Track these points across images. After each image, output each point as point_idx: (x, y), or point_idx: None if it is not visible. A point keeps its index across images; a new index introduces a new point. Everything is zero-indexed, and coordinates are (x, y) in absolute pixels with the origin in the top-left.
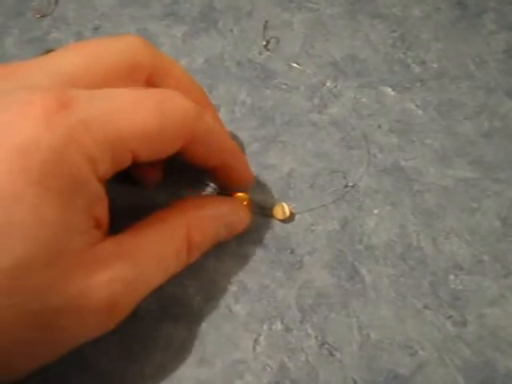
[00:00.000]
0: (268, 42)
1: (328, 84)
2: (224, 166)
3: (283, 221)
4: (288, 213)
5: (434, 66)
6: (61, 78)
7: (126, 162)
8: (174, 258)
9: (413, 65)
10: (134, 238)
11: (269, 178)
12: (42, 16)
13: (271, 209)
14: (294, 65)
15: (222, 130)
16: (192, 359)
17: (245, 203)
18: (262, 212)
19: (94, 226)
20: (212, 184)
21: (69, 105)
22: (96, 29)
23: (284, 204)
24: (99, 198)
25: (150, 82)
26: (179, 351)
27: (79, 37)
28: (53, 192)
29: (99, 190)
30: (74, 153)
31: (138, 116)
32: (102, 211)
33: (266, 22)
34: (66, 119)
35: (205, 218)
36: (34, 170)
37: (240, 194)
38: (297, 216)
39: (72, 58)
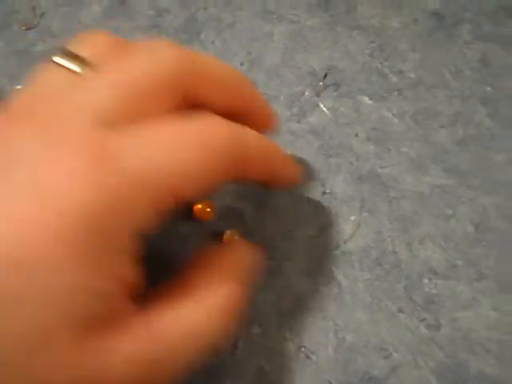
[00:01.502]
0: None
1: (307, 94)
2: (272, 178)
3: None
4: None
5: (411, 75)
6: (97, 116)
7: (171, 207)
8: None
9: (390, 74)
10: (163, 308)
11: (248, 185)
12: (28, 28)
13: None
14: None
15: (268, 144)
16: None
17: (208, 210)
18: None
19: (126, 292)
20: None
21: (111, 157)
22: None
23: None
24: (135, 262)
25: (190, 93)
26: None
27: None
28: (85, 256)
29: (137, 252)
30: (114, 217)
31: (179, 157)
32: (136, 275)
33: (327, 71)
34: (109, 176)
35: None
36: (67, 233)
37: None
38: (275, 223)
39: (105, 91)
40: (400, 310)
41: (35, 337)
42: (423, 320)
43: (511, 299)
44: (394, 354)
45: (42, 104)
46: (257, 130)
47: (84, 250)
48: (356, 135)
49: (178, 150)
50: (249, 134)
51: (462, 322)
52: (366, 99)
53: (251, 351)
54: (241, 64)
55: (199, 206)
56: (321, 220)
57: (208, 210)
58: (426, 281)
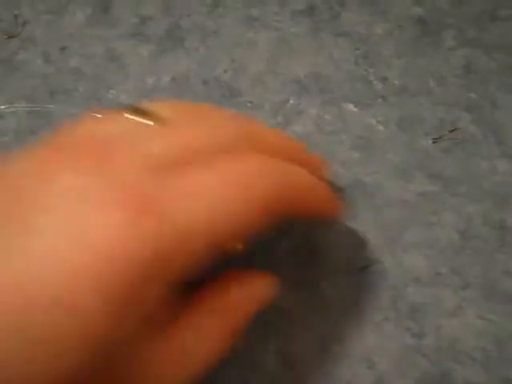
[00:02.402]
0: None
1: (292, 101)
2: (315, 215)
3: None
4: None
5: (396, 82)
6: (151, 162)
7: (212, 254)
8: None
9: (375, 81)
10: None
11: None
12: (10, 37)
13: None
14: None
15: (316, 184)
16: None
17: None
18: None
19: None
20: None
21: (158, 207)
22: (63, 49)
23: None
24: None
25: None
26: None
27: (46, 57)
28: (119, 308)
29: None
30: (155, 267)
31: (223, 206)
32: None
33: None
34: (154, 227)
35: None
36: (110, 280)
37: None
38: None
39: (166, 140)
40: (385, 320)
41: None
42: (408, 329)
43: (496, 307)
44: (379, 364)
45: (99, 145)
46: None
47: (123, 298)
48: (341, 143)
49: (222, 198)
50: (298, 174)
51: (447, 330)
52: (350, 106)
53: (236, 364)
54: (224, 71)
55: None
56: (305, 228)
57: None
58: (410, 289)
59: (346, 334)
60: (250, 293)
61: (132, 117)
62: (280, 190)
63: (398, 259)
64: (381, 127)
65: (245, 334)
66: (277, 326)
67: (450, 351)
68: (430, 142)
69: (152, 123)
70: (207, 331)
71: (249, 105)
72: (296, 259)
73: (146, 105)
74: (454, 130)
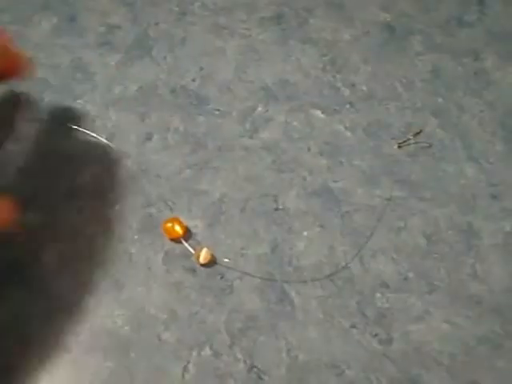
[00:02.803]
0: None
1: (260, 109)
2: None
3: (204, 265)
4: (208, 257)
5: (363, 88)
6: None
7: None
8: None
9: (342, 88)
10: None
11: (201, 203)
12: None
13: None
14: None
15: None
16: None
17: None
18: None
19: None
20: None
21: None
22: (29, 59)
23: (205, 249)
24: None
25: None
26: (108, 383)
27: None
28: None
29: None
30: None
31: None
32: None
33: (421, 130)
34: None
35: None
36: None
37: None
38: (228, 240)
39: None
40: (353, 326)
41: None
42: (376, 335)
43: (462, 311)
44: (347, 371)
45: None
46: None
47: None
48: (308, 149)
49: None
50: None
51: (414, 335)
52: (318, 113)
53: (202, 374)
54: (193, 80)
55: (168, 224)
56: (273, 236)
57: (177, 228)
58: (378, 295)
59: (314, 341)
60: None
61: None
62: None
63: (365, 265)
64: (348, 133)
65: (211, 342)
66: (244, 334)
67: (416, 356)
68: (396, 147)
69: None
70: None
71: (217, 112)
72: (262, 265)
73: None
74: (418, 134)
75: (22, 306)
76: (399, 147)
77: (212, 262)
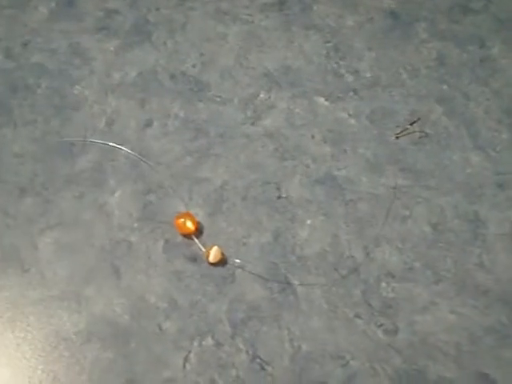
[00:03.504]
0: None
1: (262, 95)
2: None
3: (214, 264)
4: (219, 256)
5: (367, 75)
6: None
7: None
8: None
9: (346, 74)
10: None
11: (202, 191)
12: None
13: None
14: None
15: None
16: (119, 381)
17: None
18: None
19: None
20: None
21: None
22: (25, 44)
23: (215, 247)
24: None
25: None
26: (106, 373)
27: (8, 52)
28: None
29: None
30: None
31: None
32: None
33: (419, 118)
34: None
35: None
36: None
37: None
38: (229, 229)
39: None
40: (357, 316)
41: None
42: (381, 325)
43: (469, 301)
44: (351, 362)
45: None
46: None
47: None
48: (312, 137)
49: None
50: None
51: (420, 325)
52: (321, 100)
53: (203, 364)
54: (193, 65)
55: (181, 220)
56: (276, 225)
57: (189, 224)
58: (383, 284)
59: (318, 331)
60: None
61: None
62: None
63: (370, 254)
64: (352, 120)
65: (212, 332)
66: (247, 324)
67: (422, 347)
68: (393, 138)
69: None
70: None
71: (218, 99)
72: (265, 254)
73: None
74: (415, 122)
75: (20, 294)
76: (397, 138)
77: (223, 262)
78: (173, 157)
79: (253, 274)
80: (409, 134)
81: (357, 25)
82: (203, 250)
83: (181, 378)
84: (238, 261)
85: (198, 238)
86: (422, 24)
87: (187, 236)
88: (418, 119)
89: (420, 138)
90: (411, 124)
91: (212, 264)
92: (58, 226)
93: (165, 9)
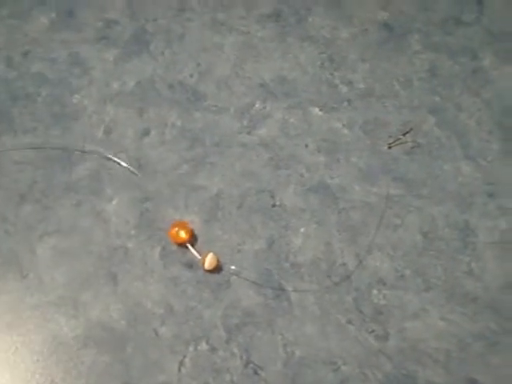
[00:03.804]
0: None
1: (257, 105)
2: None
3: (210, 271)
4: (214, 263)
5: (361, 86)
6: None
7: None
8: None
9: (340, 85)
10: None
11: (198, 198)
12: None
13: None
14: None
15: None
16: None
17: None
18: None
19: None
20: None
21: None
22: (26, 54)
23: (211, 254)
24: None
25: None
26: (103, 377)
27: (8, 62)
28: None
29: None
30: None
31: None
32: None
33: (411, 129)
34: None
35: None
36: None
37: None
38: (225, 236)
39: None
40: (349, 322)
41: None
42: (372, 331)
43: (458, 308)
44: (343, 367)
45: None
46: None
47: None
48: (306, 146)
49: None
50: None
51: (410, 332)
52: (316, 110)
53: (198, 368)
54: (190, 75)
55: (174, 230)
56: (270, 232)
57: (182, 234)
58: (375, 292)
59: (311, 337)
60: None
61: None
62: None
63: (362, 262)
64: (346, 130)
65: (207, 337)
66: (241, 330)
67: (412, 353)
68: (386, 147)
69: None
70: None
71: (214, 108)
72: (259, 261)
73: None
74: (407, 132)
75: (18, 299)
76: (389, 148)
77: (218, 268)
78: (169, 165)
79: (247, 280)
80: (401, 143)
81: (351, 36)
82: (199, 257)
83: (176, 381)
84: (233, 267)
85: (193, 245)
86: (415, 36)
87: (182, 245)
88: (411, 129)
89: (412, 148)
90: (404, 134)
91: (207, 271)
92: (57, 233)
93: (163, 19)
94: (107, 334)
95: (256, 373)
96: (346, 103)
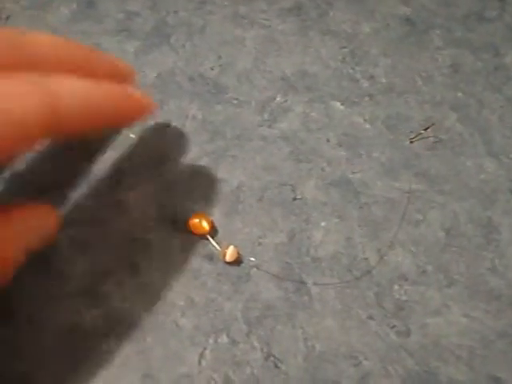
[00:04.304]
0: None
1: (278, 99)
2: (109, 122)
3: (230, 263)
4: (235, 256)
5: (383, 80)
6: None
7: None
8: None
9: (362, 80)
10: None
11: (218, 191)
12: None
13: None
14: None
15: (89, 93)
16: (136, 375)
17: (204, 224)
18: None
19: None
20: None
21: None
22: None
23: (231, 247)
24: None
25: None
26: (123, 368)
27: None
28: None
29: None
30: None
31: None
32: None
33: (433, 124)
34: None
35: (12, 238)
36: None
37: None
38: (245, 229)
39: None
40: (370, 317)
41: None
42: (393, 327)
43: (481, 305)
44: (364, 362)
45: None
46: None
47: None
48: (327, 140)
49: None
50: (62, 92)
51: (432, 328)
52: (337, 104)
53: (218, 361)
54: (211, 68)
55: (195, 220)
56: (291, 226)
57: (204, 224)
58: (396, 287)
59: (331, 331)
60: (29, 225)
61: None
62: (46, 112)
63: (383, 257)
64: (367, 125)
65: (228, 330)
66: (261, 323)
67: (434, 349)
68: (408, 142)
69: None
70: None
71: (235, 102)
72: (280, 254)
73: None
74: (429, 127)
75: (36, 290)
76: (411, 142)
77: (238, 261)
78: (190, 157)
79: (268, 273)
80: (423, 138)
81: (373, 31)
82: (219, 249)
83: (196, 373)
84: (252, 259)
85: (213, 237)
86: (437, 31)
87: (202, 236)
88: (433, 124)
89: (434, 142)
90: (425, 129)
91: (228, 263)
92: (76, 223)
93: (184, 12)
94: (127, 325)
95: (276, 366)
96: (367, 98)
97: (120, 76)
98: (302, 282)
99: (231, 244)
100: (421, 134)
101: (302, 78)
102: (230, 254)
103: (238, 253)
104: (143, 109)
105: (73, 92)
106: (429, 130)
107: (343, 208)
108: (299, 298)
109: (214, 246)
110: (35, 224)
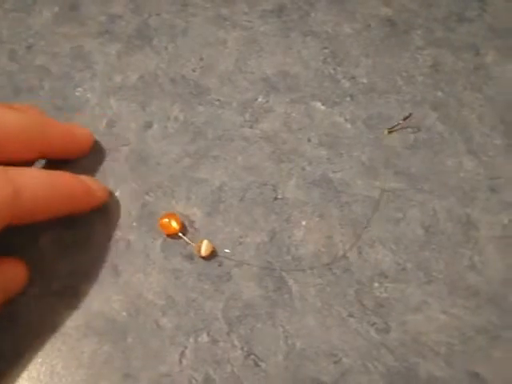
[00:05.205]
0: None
1: (260, 99)
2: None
3: (204, 258)
4: (210, 250)
5: (364, 81)
6: None
7: None
8: None
9: (343, 80)
10: None
11: (200, 191)
12: None
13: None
14: None
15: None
16: (116, 375)
17: (174, 224)
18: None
19: None
20: None
21: None
22: (29, 47)
23: (205, 241)
24: None
25: None
26: (104, 367)
27: (12, 55)
28: None
29: None
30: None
31: None
32: None
33: (411, 114)
34: None
35: None
36: None
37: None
38: (226, 229)
39: None
40: (350, 315)
41: None
42: (373, 324)
43: (460, 302)
44: (344, 359)
45: None
46: None
47: None
48: (308, 140)
49: None
50: (23, 183)
51: (412, 325)
52: (318, 104)
53: (199, 360)
54: (193, 70)
55: (165, 220)
56: (272, 225)
57: (174, 224)
58: (376, 284)
59: (312, 329)
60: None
61: None
62: (8, 202)
63: (363, 255)
64: (348, 125)
65: (208, 329)
66: (242, 321)
67: (414, 346)
68: (386, 133)
69: None
70: None
71: (217, 103)
72: (261, 253)
73: None
74: (407, 117)
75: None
76: (389, 133)
77: (213, 254)
78: (172, 158)
79: (248, 272)
80: (401, 128)
81: (354, 32)
82: (193, 245)
83: (177, 372)
84: (227, 250)
85: (184, 234)
86: (417, 32)
87: (174, 235)
88: (410, 114)
89: (414, 141)
90: (404, 119)
91: (204, 258)
92: (59, 224)
93: (166, 14)
94: (108, 324)
95: (257, 364)
96: (348, 98)
97: (76, 144)
98: (283, 281)
99: (205, 239)
100: (399, 124)
101: (284, 79)
102: (204, 248)
103: (213, 247)
104: (97, 199)
105: (33, 183)
106: (407, 123)
107: (324, 207)
108: (280, 297)
109: (187, 242)
110: (7, 277)
